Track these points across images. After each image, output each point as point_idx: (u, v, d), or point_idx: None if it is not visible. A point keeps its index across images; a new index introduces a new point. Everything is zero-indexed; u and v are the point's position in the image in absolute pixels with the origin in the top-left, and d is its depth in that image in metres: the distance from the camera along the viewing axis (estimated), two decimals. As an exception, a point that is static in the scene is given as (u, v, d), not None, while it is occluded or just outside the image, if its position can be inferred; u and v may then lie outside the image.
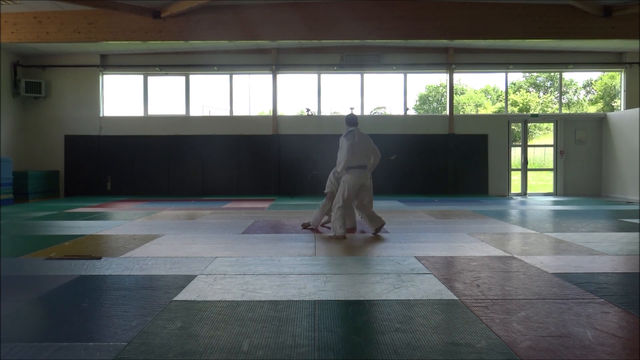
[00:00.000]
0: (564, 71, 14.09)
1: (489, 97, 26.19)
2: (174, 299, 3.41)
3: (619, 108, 14.19)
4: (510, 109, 21.38)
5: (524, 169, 13.63)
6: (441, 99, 23.30)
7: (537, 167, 17.50)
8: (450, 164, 13.25)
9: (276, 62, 13.20)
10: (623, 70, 13.47)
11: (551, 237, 6.07)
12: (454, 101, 13.62)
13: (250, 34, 10.94)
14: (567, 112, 19.88)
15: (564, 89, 22.56)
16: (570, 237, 6.03)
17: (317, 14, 10.81)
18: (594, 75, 23.38)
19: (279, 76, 13.53)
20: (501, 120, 13.56)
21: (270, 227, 7.02)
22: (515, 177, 13.75)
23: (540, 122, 17.01)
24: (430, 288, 3.67)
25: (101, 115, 13.31)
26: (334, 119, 13.39)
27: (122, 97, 13.82)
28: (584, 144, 13.58)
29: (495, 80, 30.68)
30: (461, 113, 19.71)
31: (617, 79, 18.33)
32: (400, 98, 13.72)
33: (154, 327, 2.84)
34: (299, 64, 13.34)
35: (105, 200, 11.71)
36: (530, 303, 3.29)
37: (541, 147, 19.51)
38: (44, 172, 12.49)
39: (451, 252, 5.07)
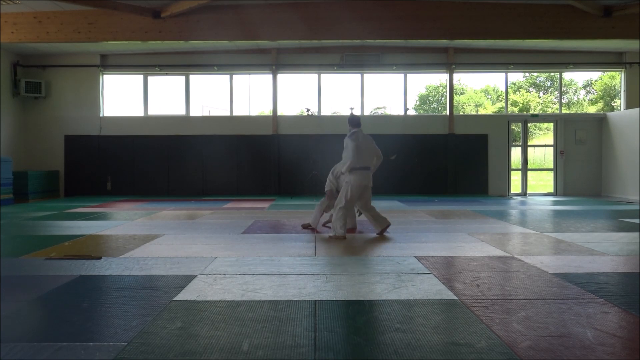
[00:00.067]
0: (564, 71, 14.09)
1: (489, 97, 26.17)
2: (174, 299, 3.41)
3: (619, 108, 14.19)
4: (510, 109, 21.38)
5: (524, 169, 13.63)
6: (441, 99, 23.28)
7: (537, 167, 17.49)
8: (450, 164, 13.25)
9: (276, 62, 13.20)
10: (623, 70, 13.47)
11: (551, 237, 6.07)
12: (454, 101, 13.62)
13: (250, 34, 10.94)
14: (567, 112, 19.87)
15: (564, 89, 22.54)
16: (570, 237, 6.03)
17: (317, 14, 10.81)
18: (594, 75, 23.38)
19: (279, 76, 13.53)
20: (501, 120, 13.57)
21: (270, 227, 7.02)
22: (515, 177, 13.75)
23: (540, 122, 17.02)
24: (430, 288, 3.67)
25: (101, 115, 13.31)
26: (334, 119, 13.40)
27: (122, 97, 13.82)
28: (584, 144, 13.58)
29: (495, 80, 30.66)
30: (461, 113, 19.70)
31: (617, 79, 18.32)
32: (400, 98, 13.73)
33: (154, 327, 2.84)
34: (299, 64, 13.34)
35: (105, 200, 11.71)
36: (530, 303, 3.29)
37: (541, 147, 19.50)
38: (44, 172, 12.48)
39: (451, 252, 5.08)
